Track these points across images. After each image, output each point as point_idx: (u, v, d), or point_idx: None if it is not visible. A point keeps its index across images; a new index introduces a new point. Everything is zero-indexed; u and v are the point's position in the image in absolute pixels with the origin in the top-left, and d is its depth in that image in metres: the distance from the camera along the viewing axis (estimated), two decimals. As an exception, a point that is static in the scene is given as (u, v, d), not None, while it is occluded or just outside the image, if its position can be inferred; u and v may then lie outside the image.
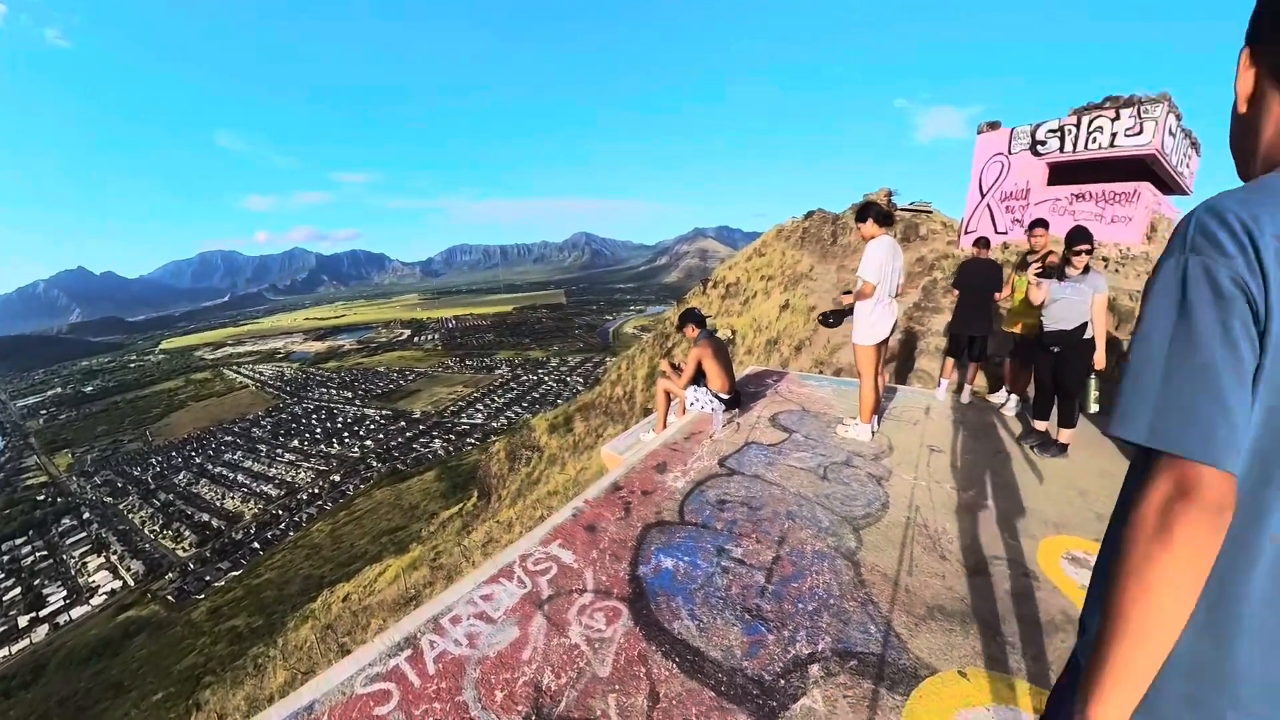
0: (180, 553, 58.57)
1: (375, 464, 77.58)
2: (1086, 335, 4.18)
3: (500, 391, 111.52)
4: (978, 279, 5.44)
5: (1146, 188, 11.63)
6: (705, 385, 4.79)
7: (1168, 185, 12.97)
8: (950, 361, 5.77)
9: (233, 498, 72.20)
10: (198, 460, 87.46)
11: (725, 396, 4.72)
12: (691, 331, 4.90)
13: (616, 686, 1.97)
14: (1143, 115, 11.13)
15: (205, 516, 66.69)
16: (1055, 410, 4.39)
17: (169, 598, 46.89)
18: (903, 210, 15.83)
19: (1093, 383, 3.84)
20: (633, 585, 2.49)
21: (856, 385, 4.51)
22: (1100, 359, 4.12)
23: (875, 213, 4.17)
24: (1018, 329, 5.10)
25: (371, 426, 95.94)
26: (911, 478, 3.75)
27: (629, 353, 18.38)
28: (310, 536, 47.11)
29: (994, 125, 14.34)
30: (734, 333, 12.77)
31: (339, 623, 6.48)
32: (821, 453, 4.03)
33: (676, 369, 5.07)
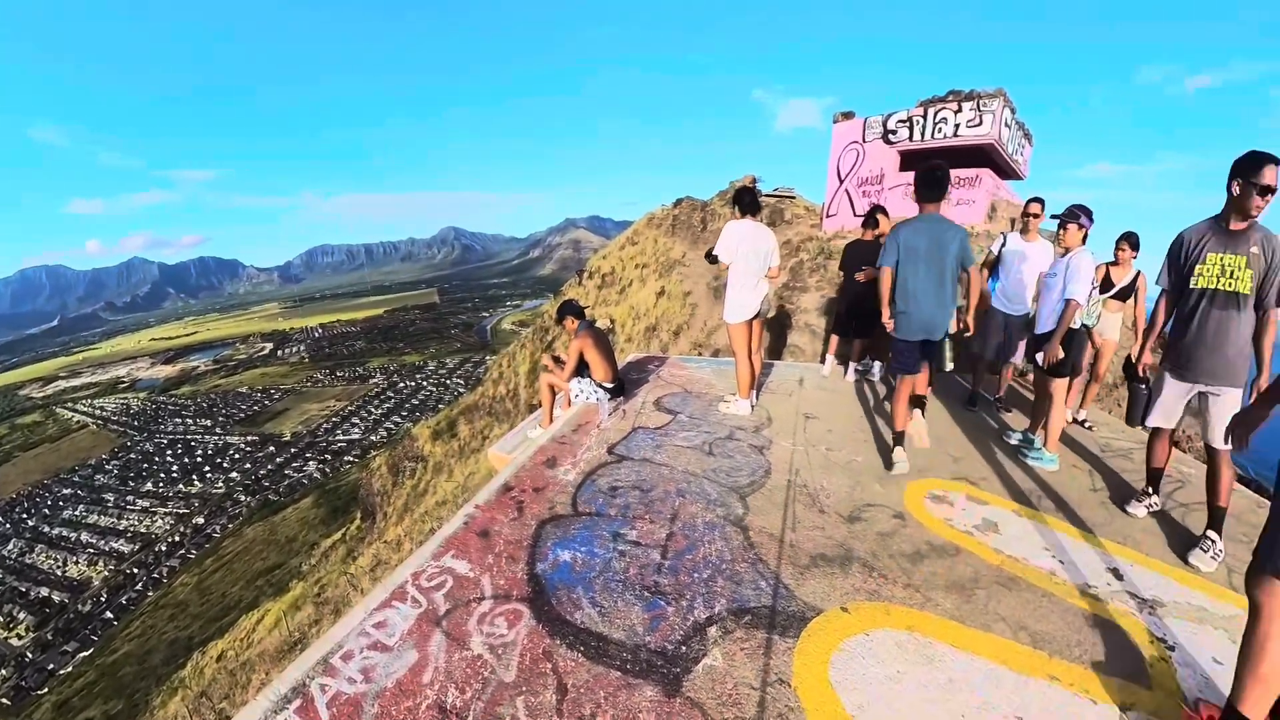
0: (14, 641, 48.30)
1: (244, 498, 68.90)
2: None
3: (377, 402, 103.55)
4: (863, 260, 5.71)
5: (987, 173, 13.36)
6: (589, 376, 4.82)
7: (1005, 171, 14.95)
8: (835, 339, 6.10)
9: (77, 562, 60.41)
10: (30, 523, 71.96)
11: (609, 386, 4.77)
12: (571, 324, 4.89)
13: (524, 688, 1.95)
14: (982, 108, 12.73)
15: (44, 591, 55.18)
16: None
17: (3, 701, 38.80)
18: (768, 196, 16.83)
19: (947, 344, 4.39)
20: (532, 584, 2.46)
21: (734, 364, 4.76)
22: (954, 325, 4.66)
23: (739, 199, 4.42)
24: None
25: (236, 456, 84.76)
26: (790, 444, 4.04)
27: (509, 349, 17.99)
28: (173, 594, 41.25)
29: (848, 115, 15.63)
30: (613, 322, 12.93)
31: (214, 687, 5.79)
32: (705, 430, 4.21)
33: (559, 362, 5.05)
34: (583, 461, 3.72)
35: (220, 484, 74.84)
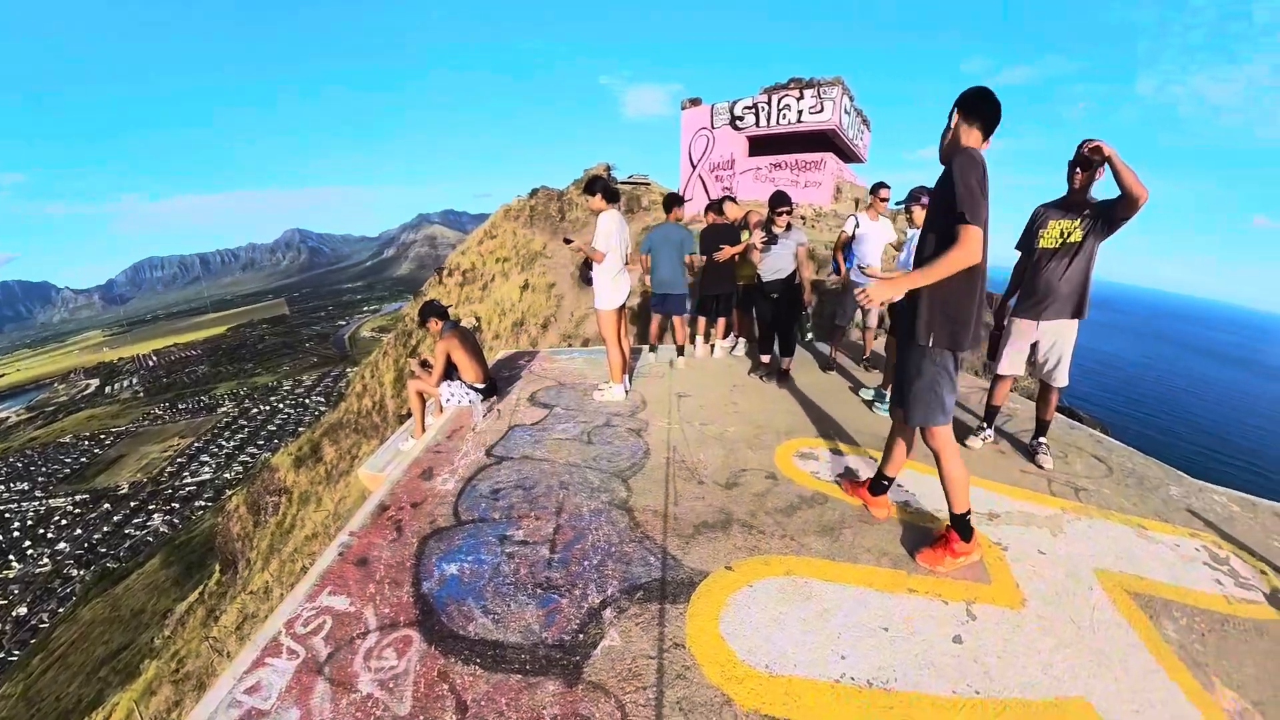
0: None
1: (76, 573, 56.62)
2: (796, 281, 5.11)
3: (228, 434, 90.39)
4: (720, 242, 5.93)
5: (830, 157, 14.31)
6: (459, 378, 4.64)
7: (847, 155, 16.11)
8: (703, 320, 6.38)
9: None
10: None
11: (481, 386, 4.63)
12: (435, 325, 4.66)
13: (421, 716, 1.87)
14: (822, 95, 13.53)
15: None
16: (776, 344, 5.31)
17: None
18: (623, 184, 16.97)
19: (804, 318, 4.84)
20: (419, 605, 2.35)
21: (605, 352, 4.83)
22: (809, 298, 5.13)
23: (602, 188, 4.44)
24: (740, 282, 5.89)
25: (63, 522, 68.97)
26: (666, 424, 4.20)
27: (371, 359, 16.77)
28: (-10, 716, 33.59)
29: (695, 102, 16.00)
30: (478, 320, 12.50)
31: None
32: (583, 420, 4.25)
33: (426, 367, 4.81)
34: (461, 468, 3.60)
35: (45, 560, 61.12)
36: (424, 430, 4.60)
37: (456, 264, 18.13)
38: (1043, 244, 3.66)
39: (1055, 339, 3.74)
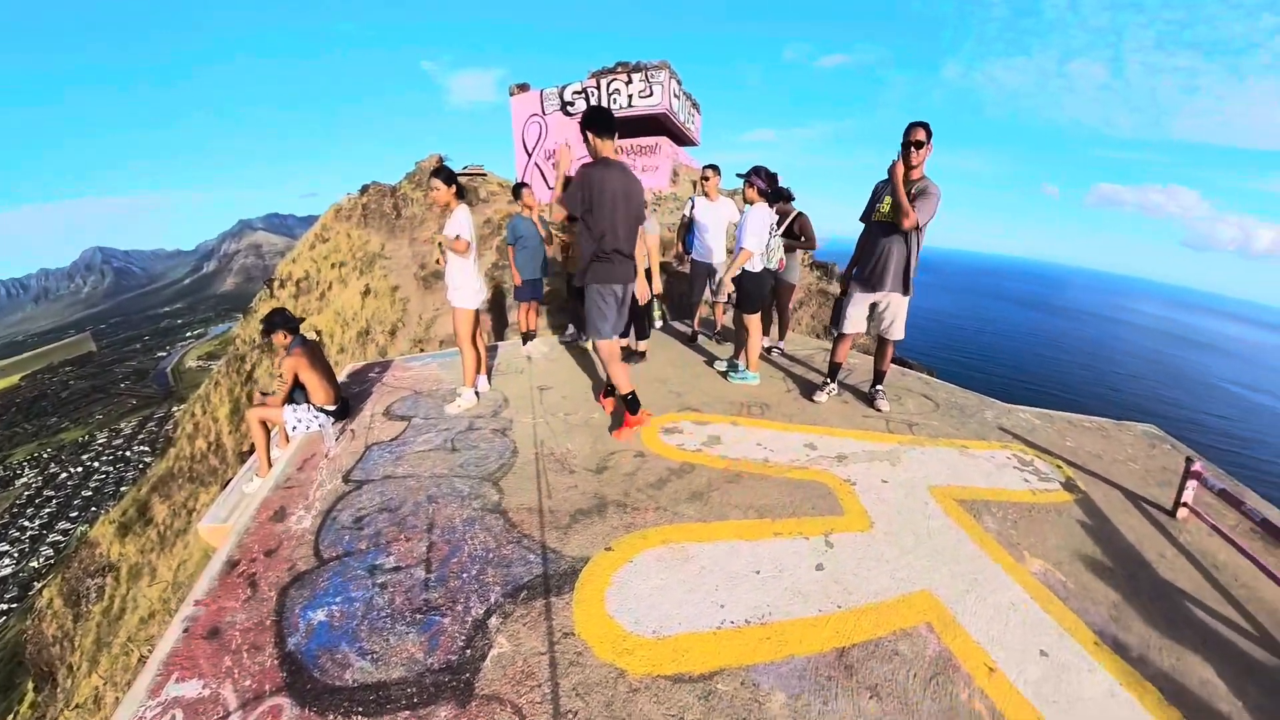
0: None
1: None
2: (645, 268, 5.20)
3: (31, 511, 73.04)
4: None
5: (665, 141, 14.42)
6: (305, 401, 4.21)
7: (680, 138, 16.29)
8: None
9: None
10: None
11: (331, 408, 4.25)
12: (282, 339, 4.14)
13: (301, 780, 1.74)
14: (650, 80, 13.50)
15: None
16: (633, 328, 5.41)
17: None
18: (459, 175, 16.07)
19: (655, 303, 4.96)
20: (286, 667, 2.15)
21: (457, 355, 4.64)
22: (657, 285, 5.28)
23: (445, 176, 4.23)
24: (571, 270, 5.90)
25: None
26: (530, 419, 4.16)
27: (201, 392, 14.77)
28: None
29: (524, 87, 15.37)
30: (319, 333, 11.41)
31: None
32: (444, 428, 4.07)
33: (270, 393, 4.32)
34: (317, 501, 3.30)
35: None
36: (270, 465, 4.15)
37: (288, 273, 16.31)
38: (876, 217, 4.10)
39: (889, 300, 4.22)
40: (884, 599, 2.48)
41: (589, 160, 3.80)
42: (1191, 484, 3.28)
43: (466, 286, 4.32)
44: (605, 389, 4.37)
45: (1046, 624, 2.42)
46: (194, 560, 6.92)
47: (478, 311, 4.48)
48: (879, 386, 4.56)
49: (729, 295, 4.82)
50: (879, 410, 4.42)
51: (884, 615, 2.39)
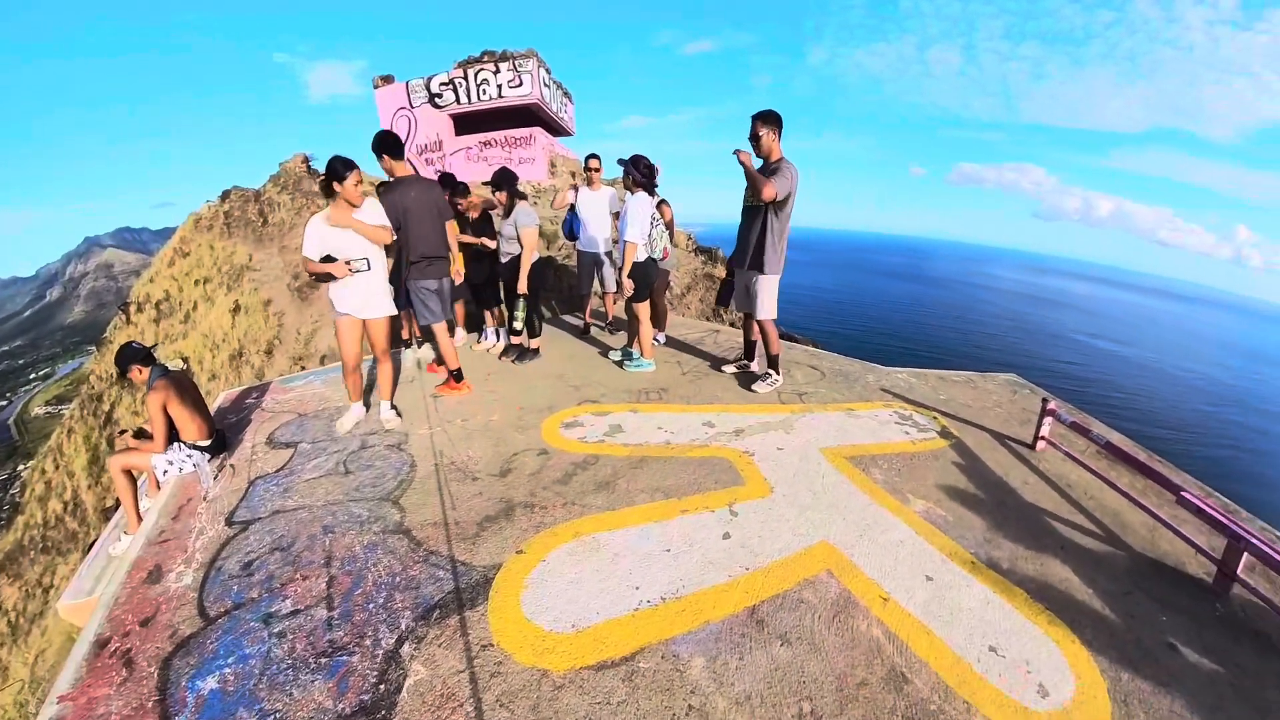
0: None
1: None
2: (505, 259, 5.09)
3: None
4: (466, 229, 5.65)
5: (540, 132, 13.90)
6: (177, 438, 3.80)
7: (554, 128, 15.75)
8: (460, 310, 6.02)
9: None
10: None
11: (206, 443, 3.87)
12: (139, 374, 3.68)
13: None
14: (519, 69, 12.88)
15: None
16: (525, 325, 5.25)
17: None
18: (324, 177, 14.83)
19: (520, 301, 4.86)
20: (177, 746, 1.97)
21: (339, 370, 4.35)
22: (521, 284, 4.92)
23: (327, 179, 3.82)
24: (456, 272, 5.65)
25: None
26: (427, 429, 4.00)
27: (51, 444, 12.98)
28: None
29: (388, 79, 14.30)
30: (186, 360, 10.28)
31: None
32: (334, 450, 3.82)
33: (143, 436, 3.87)
34: (198, 552, 3.01)
35: None
36: (140, 519, 3.72)
37: (146, 294, 14.47)
38: (744, 203, 4.30)
39: (752, 279, 4.39)
40: (787, 555, 2.66)
41: (388, 182, 4.36)
42: (1047, 420, 3.79)
43: (384, 290, 4.03)
44: (436, 359, 4.97)
45: (930, 554, 2.70)
46: (55, 647, 6.13)
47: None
48: (771, 371, 4.59)
49: (626, 293, 4.82)
50: (759, 393, 4.51)
51: (788, 569, 2.56)
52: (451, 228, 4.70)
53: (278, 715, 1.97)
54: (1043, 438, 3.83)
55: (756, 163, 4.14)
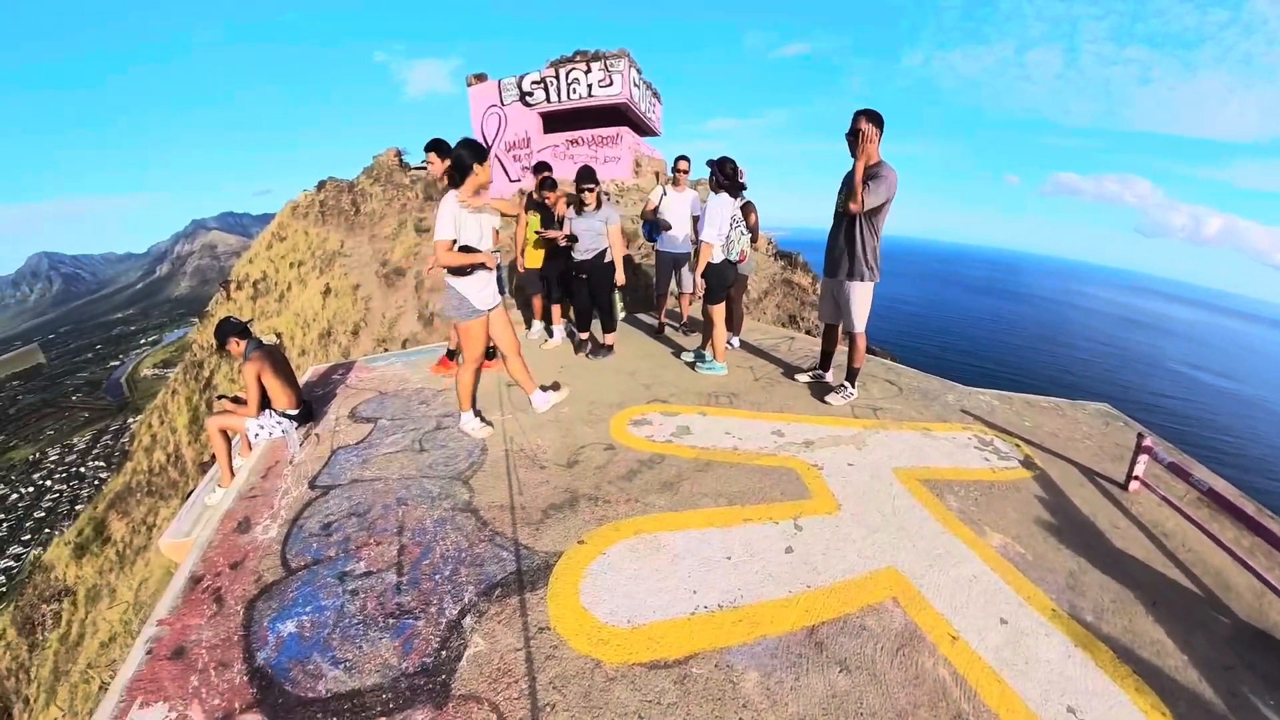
0: None
1: None
2: (607, 259, 5.14)
3: None
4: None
5: (626, 131, 14.16)
6: (269, 406, 4.10)
7: (641, 128, 16.03)
8: (540, 302, 6.12)
9: None
10: None
11: (294, 412, 4.15)
12: (236, 346, 4.01)
13: (276, 793, 1.72)
14: (610, 69, 13.19)
15: None
16: (597, 321, 5.38)
17: None
18: (416, 169, 15.71)
19: (617, 295, 4.96)
20: (256, 681, 2.11)
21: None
22: (620, 277, 5.18)
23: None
24: (535, 264, 5.78)
25: None
26: (499, 416, 4.13)
27: (157, 402, 14.24)
28: None
29: (481, 77, 14.94)
30: (279, 335, 11.09)
31: None
32: (411, 428, 4.02)
33: (239, 401, 4.20)
34: (283, 510, 3.23)
35: None
36: (233, 475, 4.03)
37: (245, 274, 15.78)
38: (836, 207, 4.18)
39: (842, 288, 4.26)
40: (852, 577, 2.56)
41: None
42: (1143, 458, 3.46)
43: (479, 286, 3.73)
44: (448, 353, 5.19)
45: (1006, 594, 2.53)
46: (155, 578, 6.70)
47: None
48: (846, 383, 4.44)
49: (698, 293, 4.83)
50: (831, 405, 4.35)
51: (852, 592, 2.46)
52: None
53: (347, 664, 2.08)
54: (1137, 478, 3.51)
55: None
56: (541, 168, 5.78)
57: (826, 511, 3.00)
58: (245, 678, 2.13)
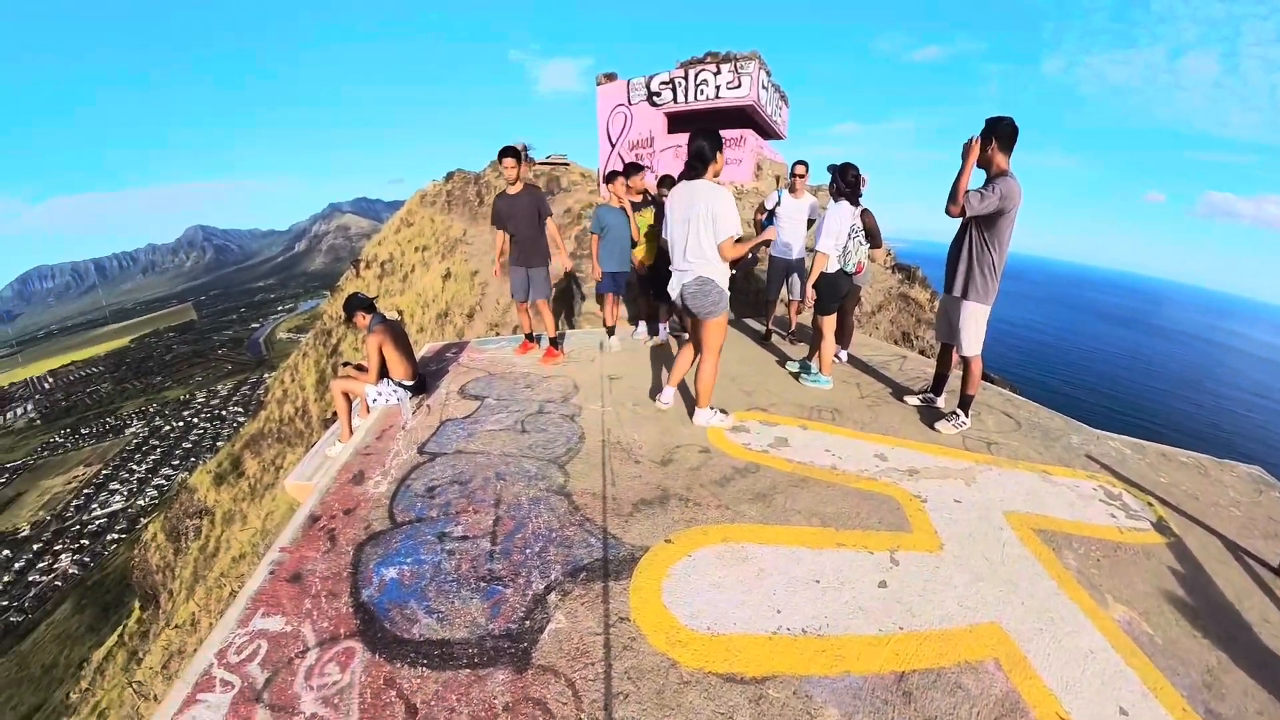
0: None
1: None
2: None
3: (139, 457, 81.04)
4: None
5: (751, 134, 14.08)
6: (387, 375, 4.47)
7: (766, 131, 15.91)
8: (645, 301, 6.15)
9: None
10: None
11: (410, 383, 4.49)
12: (362, 320, 4.43)
13: (368, 722, 1.86)
14: (739, 71, 13.18)
15: None
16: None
17: None
18: (541, 164, 16.49)
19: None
20: (360, 614, 2.30)
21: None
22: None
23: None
24: (648, 261, 5.72)
25: None
26: (599, 407, 4.23)
27: (290, 362, 15.85)
28: None
29: (611, 77, 15.44)
30: (400, 312, 12.03)
31: None
32: (515, 409, 4.21)
33: (361, 369, 4.62)
34: (393, 469, 3.50)
35: (-67, 628, 53.76)
36: (351, 433, 4.42)
37: (374, 255, 17.29)
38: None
39: (956, 306, 3.97)
40: (950, 626, 2.36)
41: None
42: None
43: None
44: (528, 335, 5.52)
45: (1129, 679, 2.23)
46: (280, 512, 7.46)
47: None
48: (959, 411, 4.14)
49: (808, 302, 4.68)
50: (940, 432, 4.07)
51: (949, 644, 2.28)
52: (550, 225, 5.30)
53: (439, 615, 2.22)
54: (1296, 563, 2.97)
55: (978, 178, 3.70)
56: (633, 169, 5.68)
57: (927, 549, 2.80)
58: (350, 609, 2.32)
